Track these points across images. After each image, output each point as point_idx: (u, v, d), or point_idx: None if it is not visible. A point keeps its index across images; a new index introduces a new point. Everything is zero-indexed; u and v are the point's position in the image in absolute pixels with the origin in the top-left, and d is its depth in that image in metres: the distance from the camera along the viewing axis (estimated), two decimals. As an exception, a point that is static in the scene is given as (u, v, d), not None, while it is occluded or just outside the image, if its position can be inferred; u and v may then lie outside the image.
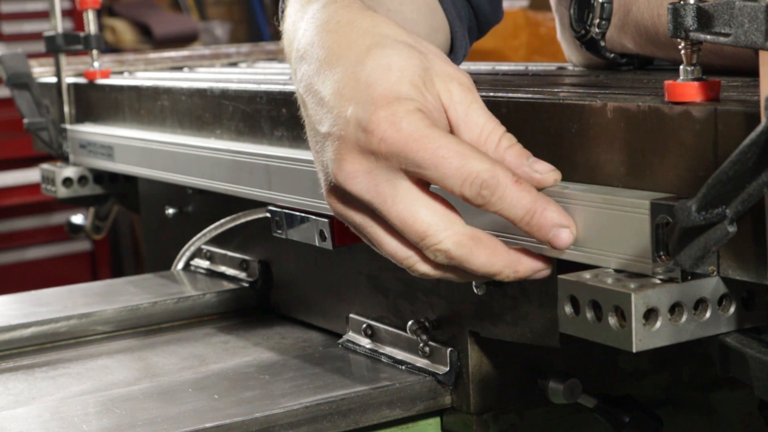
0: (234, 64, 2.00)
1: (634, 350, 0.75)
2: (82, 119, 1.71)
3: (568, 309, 0.80)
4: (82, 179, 1.68)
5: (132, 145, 1.49)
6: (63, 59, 1.73)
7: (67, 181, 1.68)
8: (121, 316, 1.34)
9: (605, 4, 1.15)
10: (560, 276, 0.81)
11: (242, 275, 1.40)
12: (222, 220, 1.38)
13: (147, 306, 1.35)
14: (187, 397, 1.09)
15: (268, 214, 1.21)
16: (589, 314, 0.78)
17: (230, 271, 1.42)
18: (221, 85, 1.33)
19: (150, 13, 4.48)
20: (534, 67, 1.47)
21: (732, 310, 0.78)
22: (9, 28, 4.01)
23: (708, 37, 0.75)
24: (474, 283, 1.00)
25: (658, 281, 0.77)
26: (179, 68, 1.95)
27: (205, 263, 1.47)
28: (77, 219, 1.95)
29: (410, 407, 1.07)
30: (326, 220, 1.11)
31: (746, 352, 0.76)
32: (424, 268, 0.86)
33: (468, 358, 1.05)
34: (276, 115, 1.22)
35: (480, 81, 0.87)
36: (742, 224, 0.73)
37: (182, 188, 1.48)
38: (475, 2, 1.25)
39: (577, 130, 0.86)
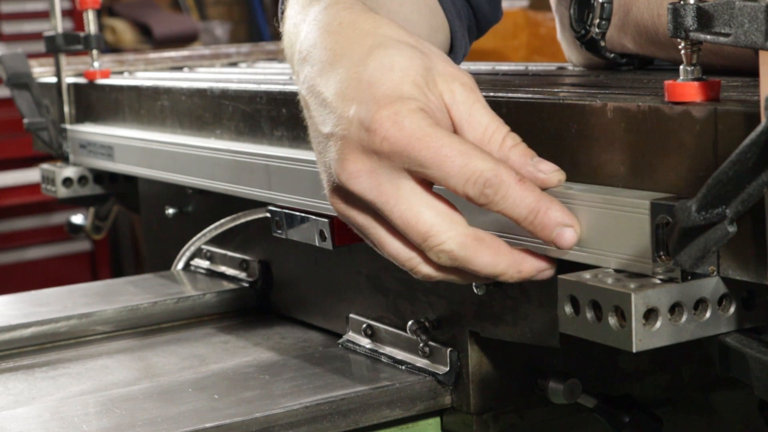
0: (234, 64, 2.00)
1: (634, 350, 0.75)
2: (82, 119, 1.71)
3: (568, 309, 0.80)
4: (82, 179, 1.68)
5: (132, 145, 1.49)
6: (63, 59, 1.73)
7: (67, 181, 1.68)
8: (121, 316, 1.34)
9: (605, 4, 1.15)
10: (560, 276, 0.81)
11: (242, 275, 1.40)
12: (222, 220, 1.38)
13: (147, 306, 1.35)
14: (187, 397, 1.09)
15: (268, 214, 1.21)
16: (589, 314, 0.78)
17: (230, 271, 1.42)
18: (221, 85, 1.33)
19: (150, 13, 4.47)
20: (534, 67, 1.47)
21: (732, 310, 0.78)
22: (9, 28, 4.01)
23: (708, 37, 0.75)
24: (474, 282, 1.00)
25: (658, 281, 0.77)
26: (179, 68, 1.95)
27: (205, 263, 1.47)
28: (77, 219, 1.95)
29: (410, 407, 1.07)
30: (326, 220, 1.11)
31: (746, 352, 0.76)
32: (426, 269, 0.86)
33: (468, 358, 1.05)
34: (276, 115, 1.22)
35: (480, 81, 0.87)
36: (742, 224, 0.73)
37: (182, 188, 1.48)
38: (475, 2, 1.25)
39: (577, 130, 0.86)
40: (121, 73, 1.84)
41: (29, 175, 3.75)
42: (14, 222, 4.00)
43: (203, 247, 1.47)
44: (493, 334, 1.02)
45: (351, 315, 1.20)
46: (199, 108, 1.37)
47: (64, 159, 1.71)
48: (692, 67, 0.78)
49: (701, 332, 0.77)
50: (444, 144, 0.80)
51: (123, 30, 4.36)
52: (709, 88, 0.78)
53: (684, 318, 0.76)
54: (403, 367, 1.11)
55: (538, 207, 0.81)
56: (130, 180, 1.67)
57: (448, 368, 1.07)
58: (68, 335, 1.32)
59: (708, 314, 0.77)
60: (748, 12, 0.70)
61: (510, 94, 0.94)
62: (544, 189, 0.84)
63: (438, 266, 0.85)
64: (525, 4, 4.36)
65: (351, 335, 1.20)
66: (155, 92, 1.48)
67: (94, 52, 1.71)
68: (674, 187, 0.79)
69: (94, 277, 4.06)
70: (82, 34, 1.71)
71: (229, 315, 1.38)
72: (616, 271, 0.81)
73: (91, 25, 1.70)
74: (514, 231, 0.86)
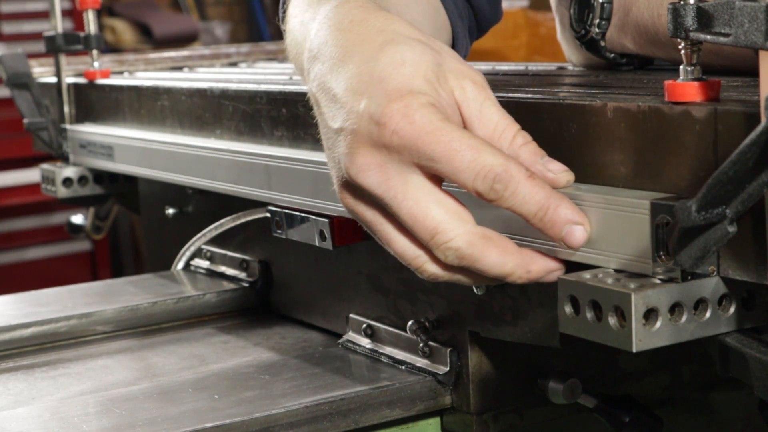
0: (234, 64, 2.00)
1: (634, 350, 0.75)
2: (82, 119, 1.71)
3: (568, 309, 0.80)
4: (82, 179, 1.68)
5: (132, 145, 1.49)
6: (63, 59, 1.73)
7: (67, 181, 1.68)
8: (121, 316, 1.34)
9: (605, 4, 1.15)
10: (560, 276, 0.81)
11: (242, 275, 1.40)
12: (222, 220, 1.38)
13: (147, 306, 1.35)
14: (187, 397, 1.09)
15: (268, 214, 1.21)
16: (589, 314, 0.78)
17: (230, 271, 1.42)
18: (221, 85, 1.33)
19: (150, 13, 4.48)
20: (534, 67, 1.47)
21: (732, 310, 0.78)
22: (9, 28, 4.01)
23: (708, 37, 0.75)
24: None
25: (658, 281, 0.77)
26: (179, 68, 1.95)
27: (205, 263, 1.47)
28: (77, 219, 1.95)
29: (410, 407, 1.07)
30: (326, 220, 1.11)
31: (746, 352, 0.76)
32: (433, 268, 0.85)
33: (468, 358, 1.05)
34: (276, 115, 1.22)
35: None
36: (742, 224, 0.73)
37: (182, 188, 1.48)
38: (476, 2, 1.25)
39: (577, 130, 0.86)
40: (121, 73, 1.85)
41: (29, 175, 3.75)
42: (14, 222, 4.00)
43: (203, 247, 1.47)
44: (493, 334, 1.02)
45: (351, 315, 1.20)
46: (199, 108, 1.37)
47: (64, 159, 1.71)
48: (692, 67, 0.78)
49: (701, 332, 0.77)
50: (454, 138, 0.80)
51: (123, 30, 4.36)
52: (709, 88, 0.78)
53: (684, 318, 0.76)
54: (403, 367, 1.11)
55: (548, 204, 0.81)
56: (130, 180, 1.68)
57: (448, 368, 1.07)
58: (68, 335, 1.32)
59: (708, 314, 0.77)
60: (748, 12, 0.70)
61: (510, 94, 0.94)
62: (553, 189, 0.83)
63: (444, 265, 0.85)
64: (525, 4, 4.36)
65: (351, 335, 1.20)
66: (155, 92, 1.48)
67: (94, 52, 1.72)
68: (674, 187, 0.79)
69: (94, 277, 4.06)
70: (82, 34, 1.71)
71: (229, 315, 1.38)
72: (616, 271, 0.81)
73: (91, 25, 1.70)
74: (523, 232, 0.86)
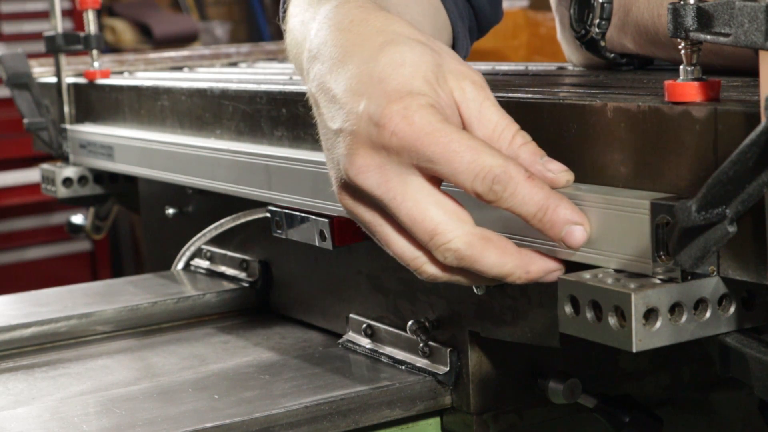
0: (234, 64, 2.00)
1: (634, 350, 0.75)
2: (82, 119, 1.71)
3: (568, 309, 0.80)
4: (82, 179, 1.68)
5: (132, 145, 1.49)
6: (63, 59, 1.73)
7: (67, 181, 1.68)
8: (121, 316, 1.34)
9: (605, 4, 1.15)
10: (560, 276, 0.81)
11: (242, 275, 1.40)
12: (222, 220, 1.38)
13: (147, 306, 1.35)
14: (187, 397, 1.09)
15: (268, 214, 1.21)
16: (589, 314, 0.78)
17: (230, 271, 1.42)
18: (221, 85, 1.33)
19: (150, 13, 4.48)
20: (534, 67, 1.47)
21: (732, 310, 0.78)
22: (9, 28, 4.01)
23: (708, 37, 0.75)
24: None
25: (658, 281, 0.77)
26: (179, 68, 1.95)
27: (205, 263, 1.47)
28: (77, 219, 1.95)
29: (410, 407, 1.07)
30: (326, 220, 1.11)
31: (746, 352, 0.76)
32: (431, 269, 0.85)
33: (468, 358, 1.05)
34: (276, 115, 1.22)
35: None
36: (742, 224, 0.73)
37: (182, 188, 1.48)
38: (476, 2, 1.25)
39: (577, 130, 0.86)
40: (121, 73, 1.85)
41: (29, 175, 3.75)
42: (14, 222, 4.00)
43: (203, 247, 1.47)
44: (493, 334, 1.02)
45: (351, 315, 1.20)
46: (199, 108, 1.37)
47: (64, 159, 1.71)
48: (692, 67, 0.78)
49: (701, 332, 0.77)
50: (453, 140, 0.80)
51: (123, 30, 4.36)
52: (709, 88, 0.78)
53: (684, 318, 0.76)
54: (403, 367, 1.11)
55: (547, 204, 0.81)
56: (130, 180, 1.68)
57: (448, 368, 1.07)
58: (68, 335, 1.32)
59: (708, 314, 0.77)
60: (748, 12, 0.70)
61: (510, 94, 0.94)
62: (552, 189, 0.83)
63: (443, 266, 0.85)
64: (525, 4, 4.36)
65: (351, 335, 1.20)
66: (155, 92, 1.48)
67: (94, 52, 1.72)
68: (674, 187, 0.79)
69: (94, 277, 4.06)
70: (82, 34, 1.71)
71: (229, 315, 1.38)
72: (616, 271, 0.81)
73: (91, 25, 1.70)
74: (522, 232, 0.86)
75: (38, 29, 3.76)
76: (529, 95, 0.93)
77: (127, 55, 2.03)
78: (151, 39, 4.35)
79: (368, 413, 1.05)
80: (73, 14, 3.71)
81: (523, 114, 0.90)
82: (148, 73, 1.84)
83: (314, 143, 1.14)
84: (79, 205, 1.97)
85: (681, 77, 0.79)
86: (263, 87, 1.26)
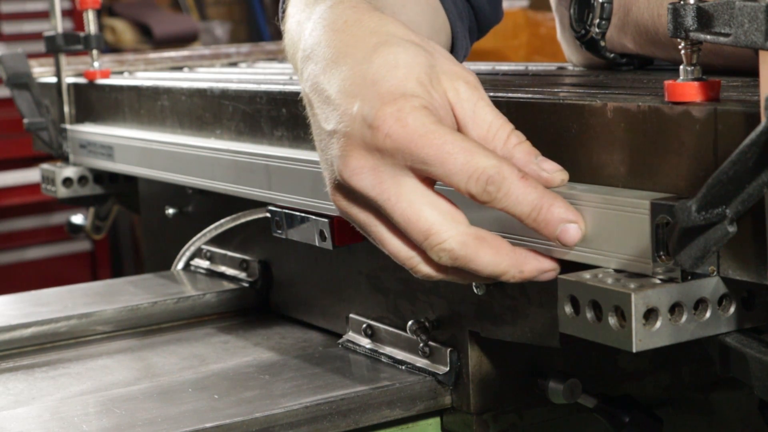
0: (234, 64, 2.00)
1: (634, 350, 0.75)
2: (82, 119, 1.71)
3: (568, 309, 0.80)
4: (82, 179, 1.68)
5: (132, 145, 1.49)
6: (63, 59, 1.73)
7: (67, 181, 1.68)
8: (121, 316, 1.34)
9: (605, 4, 1.15)
10: (560, 276, 0.81)
11: (242, 275, 1.40)
12: (222, 220, 1.38)
13: (147, 306, 1.35)
14: (187, 397, 1.09)
15: (268, 214, 1.21)
16: (589, 314, 0.78)
17: (230, 271, 1.42)
18: (221, 85, 1.33)
19: (150, 13, 4.48)
20: (534, 67, 1.47)
21: (732, 310, 0.78)
22: (9, 28, 4.01)
23: (708, 37, 0.75)
24: (474, 283, 1.00)
25: (658, 281, 0.77)
26: (179, 68, 1.95)
27: (205, 263, 1.47)
28: (77, 219, 1.95)
29: (410, 407, 1.07)
30: (326, 220, 1.11)
31: (746, 352, 0.76)
32: (426, 269, 0.86)
33: (468, 358, 1.05)
34: (276, 115, 1.22)
35: (480, 81, 0.87)
36: (742, 224, 0.73)
37: (182, 188, 1.48)
38: (476, 2, 1.25)
39: (577, 130, 0.86)
40: (121, 73, 1.85)
41: (29, 175, 3.75)
42: (14, 222, 4.00)
43: (203, 247, 1.47)
44: (493, 334, 1.02)
45: (351, 315, 1.20)
46: (199, 108, 1.37)
47: (64, 159, 1.71)
48: (692, 67, 0.78)
49: (701, 332, 0.77)
50: (447, 141, 0.80)
51: (123, 30, 4.36)
52: (709, 88, 0.78)
53: (684, 318, 0.76)
54: (403, 367, 1.11)
55: (541, 204, 0.81)
56: (130, 180, 1.68)
57: (448, 368, 1.07)
58: (68, 335, 1.32)
59: (708, 314, 0.77)
60: (748, 12, 0.70)
61: (510, 94, 0.94)
62: (547, 188, 0.83)
63: (438, 266, 0.85)
64: (525, 4, 4.36)
65: (351, 335, 1.20)
66: (155, 92, 1.48)
67: (94, 52, 1.72)
68: (674, 187, 0.79)
69: (94, 277, 4.06)
70: (82, 34, 1.71)
71: (229, 315, 1.38)
72: (616, 271, 0.81)
73: (91, 25, 1.70)
74: (518, 231, 0.86)
75: (38, 29, 3.77)
76: (529, 95, 0.93)
77: (127, 55, 2.03)
78: (151, 39, 4.35)
79: (368, 413, 1.05)
80: (73, 14, 3.71)
81: (523, 114, 0.90)
82: (148, 73, 1.84)
83: (314, 143, 1.14)
84: (79, 205, 1.97)
85: (681, 77, 0.79)
86: (263, 87, 1.26)
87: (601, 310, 0.77)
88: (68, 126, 1.70)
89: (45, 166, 1.73)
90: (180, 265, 1.49)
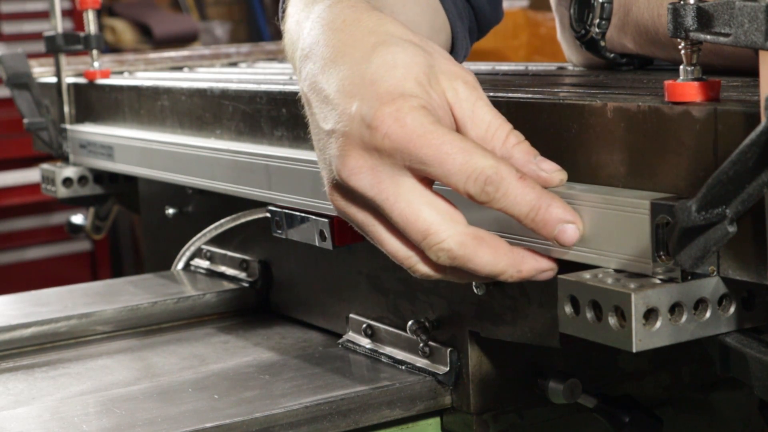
0: (234, 64, 2.00)
1: (634, 350, 0.75)
2: (82, 119, 1.71)
3: (568, 309, 0.80)
4: (82, 179, 1.68)
5: (132, 145, 1.49)
6: (63, 59, 1.73)
7: (67, 181, 1.68)
8: (121, 316, 1.34)
9: (605, 4, 1.15)
10: (560, 276, 0.81)
11: (242, 275, 1.40)
12: (222, 220, 1.38)
13: (147, 306, 1.36)
14: (187, 397, 1.09)
15: (268, 214, 1.21)
16: (589, 314, 0.78)
17: (230, 271, 1.42)
18: (221, 85, 1.33)
19: (150, 13, 4.48)
20: (534, 67, 1.47)
21: (732, 310, 0.78)
22: (9, 28, 4.01)
23: (708, 37, 0.75)
24: (474, 282, 1.00)
25: (658, 281, 0.77)
26: (179, 68, 1.95)
27: (205, 263, 1.47)
28: (77, 219, 1.95)
29: (410, 407, 1.07)
30: (326, 220, 1.11)
31: (746, 352, 0.76)
32: (425, 269, 0.86)
33: (468, 358, 1.05)
34: (276, 115, 1.22)
35: (480, 81, 0.87)
36: (742, 224, 0.73)
37: (182, 188, 1.48)
38: (476, 2, 1.25)
39: (577, 130, 0.86)
40: (121, 73, 1.85)
41: (29, 175, 3.76)
42: (14, 222, 4.00)
43: (203, 247, 1.47)
44: (493, 334, 1.02)
45: (351, 315, 1.20)
46: (199, 108, 1.37)
47: (64, 159, 1.71)
48: (692, 67, 0.78)
49: (701, 332, 0.77)
50: (445, 141, 0.80)
51: (123, 30, 4.36)
52: (709, 88, 0.78)
53: (684, 318, 0.76)
54: (403, 367, 1.11)
55: (539, 204, 0.81)
56: (130, 180, 1.68)
57: (448, 368, 1.07)
58: (68, 335, 1.32)
59: (708, 314, 0.77)
60: (748, 12, 0.70)
61: (510, 94, 0.94)
62: (545, 188, 0.84)
63: (437, 266, 0.85)
64: (525, 4, 4.36)
65: (351, 335, 1.20)
66: (155, 92, 1.48)
67: (94, 52, 1.72)
68: (674, 187, 0.79)
69: (94, 277, 4.06)
70: (82, 34, 1.71)
71: (229, 315, 1.38)
72: (616, 271, 0.81)
73: (91, 25, 1.70)
74: (516, 231, 0.86)
75: (38, 29, 3.77)
76: (529, 95, 0.93)
77: (127, 55, 2.03)
78: (151, 39, 4.35)
79: (368, 413, 1.05)
80: (73, 14, 3.71)
81: (523, 114, 0.90)
82: (148, 73, 1.84)
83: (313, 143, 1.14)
84: (79, 205, 1.97)
85: (681, 77, 0.79)
86: (263, 87, 1.26)
87: (601, 310, 0.77)
88: (68, 126, 1.70)
89: (45, 166, 1.73)
90: (180, 265, 1.49)
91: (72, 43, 1.71)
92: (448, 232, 0.82)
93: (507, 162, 0.81)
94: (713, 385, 1.17)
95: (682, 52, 0.78)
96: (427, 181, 0.83)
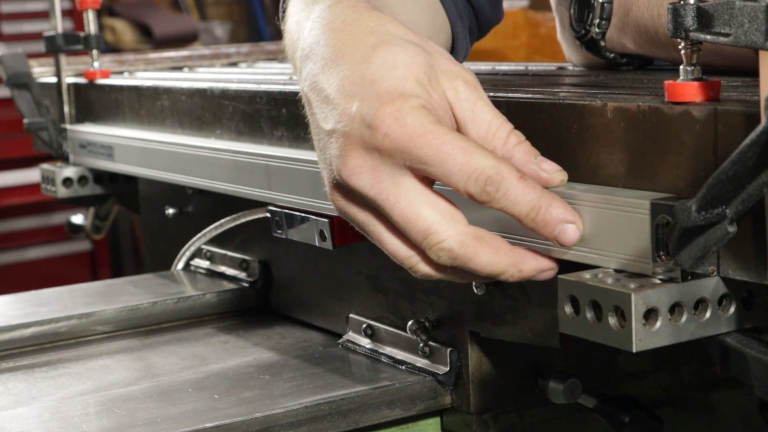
0: (234, 64, 2.00)
1: (634, 350, 0.75)
2: (82, 119, 1.71)
3: (568, 309, 0.80)
4: (82, 179, 1.68)
5: (132, 145, 1.49)
6: (63, 59, 1.73)
7: (67, 181, 1.68)
8: (121, 316, 1.34)
9: (605, 4, 1.15)
10: (560, 276, 0.81)
11: (242, 275, 1.40)
12: (222, 220, 1.38)
13: (147, 306, 1.36)
14: (187, 397, 1.09)
15: (268, 214, 1.21)
16: (589, 314, 0.78)
17: (230, 271, 1.42)
18: (221, 85, 1.33)
19: (150, 13, 4.48)
20: (534, 67, 1.47)
21: (732, 310, 0.78)
22: (9, 28, 4.01)
23: (708, 37, 0.75)
24: (474, 282, 1.00)
25: (658, 281, 0.77)
26: (179, 68, 1.95)
27: (205, 263, 1.47)
28: (77, 219, 1.95)
29: (410, 407, 1.07)
30: (326, 220, 1.11)
31: (746, 352, 0.76)
32: (425, 268, 0.86)
33: (468, 358, 1.05)
34: (276, 115, 1.22)
35: (480, 81, 0.87)
36: (742, 224, 0.73)
37: (182, 188, 1.48)
38: (476, 2, 1.25)
39: (577, 130, 0.86)
40: (121, 73, 1.85)
41: (29, 175, 3.75)
42: (14, 222, 4.00)
43: (203, 247, 1.47)
44: (493, 334, 1.02)
45: (351, 315, 1.20)
46: (199, 108, 1.37)
47: (64, 159, 1.71)
48: (692, 67, 0.78)
49: (701, 332, 0.77)
50: (446, 141, 0.80)
51: (123, 30, 4.36)
52: (709, 88, 0.78)
53: (684, 318, 0.76)
54: (403, 367, 1.11)
55: (540, 204, 0.81)
56: (130, 180, 1.68)
57: (448, 368, 1.07)
58: (68, 335, 1.32)
59: (708, 314, 0.77)
60: (748, 12, 0.70)
61: (510, 94, 0.94)
62: (546, 188, 0.84)
63: (437, 265, 0.85)
64: (525, 4, 4.36)
65: (351, 335, 1.20)
66: (155, 92, 1.48)
67: (94, 52, 1.72)
68: (674, 187, 0.79)
69: (94, 277, 4.06)
70: (82, 34, 1.71)
71: (229, 315, 1.38)
72: (616, 271, 0.81)
73: (91, 25, 1.70)
74: (517, 230, 0.86)
75: (38, 29, 3.77)
76: (529, 95, 0.93)
77: (127, 55, 2.03)
78: (151, 39, 4.35)
79: (368, 413, 1.05)
80: (73, 14, 3.71)
81: (523, 114, 0.90)
82: (148, 73, 1.84)
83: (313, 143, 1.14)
84: (79, 205, 1.97)
85: (681, 77, 0.79)
86: (263, 87, 1.26)
87: (601, 310, 0.77)
88: (68, 126, 1.70)
89: (45, 166, 1.73)
90: (180, 265, 1.49)
91: (72, 43, 1.71)
92: (449, 232, 0.82)
93: (508, 162, 0.81)
94: (713, 385, 1.17)
95: (682, 52, 0.78)
96: (428, 180, 0.83)
